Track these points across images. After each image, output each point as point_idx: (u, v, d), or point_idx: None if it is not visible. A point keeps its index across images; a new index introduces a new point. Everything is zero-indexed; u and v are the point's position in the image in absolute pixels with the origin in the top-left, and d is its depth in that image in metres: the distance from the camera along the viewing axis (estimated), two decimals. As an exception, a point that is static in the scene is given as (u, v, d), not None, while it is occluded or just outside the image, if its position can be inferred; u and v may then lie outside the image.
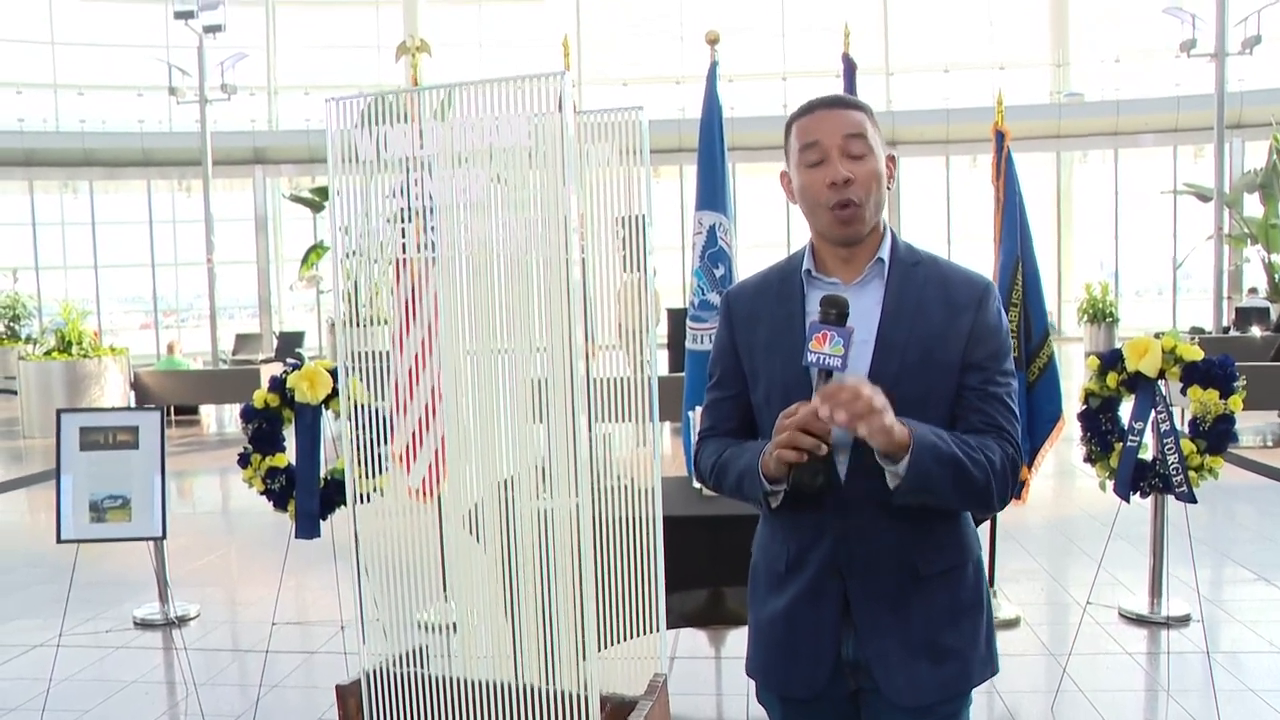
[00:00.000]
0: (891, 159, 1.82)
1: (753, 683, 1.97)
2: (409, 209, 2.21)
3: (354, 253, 2.36)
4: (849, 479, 1.75)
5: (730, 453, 1.87)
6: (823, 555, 1.78)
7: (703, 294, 4.44)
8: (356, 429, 2.36)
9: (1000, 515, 4.24)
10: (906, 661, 1.77)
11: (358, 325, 2.47)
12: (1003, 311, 1.83)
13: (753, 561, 1.96)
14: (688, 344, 4.48)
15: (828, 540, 1.78)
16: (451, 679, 2.27)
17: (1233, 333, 15.69)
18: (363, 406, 2.37)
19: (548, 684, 2.20)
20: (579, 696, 2.16)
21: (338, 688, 2.35)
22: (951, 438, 1.71)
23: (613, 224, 2.31)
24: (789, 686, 1.87)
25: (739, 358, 1.90)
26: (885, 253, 1.81)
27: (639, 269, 2.35)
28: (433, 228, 2.20)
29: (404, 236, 2.24)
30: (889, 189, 1.83)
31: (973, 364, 1.77)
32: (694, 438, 3.97)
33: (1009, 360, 1.82)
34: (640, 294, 2.33)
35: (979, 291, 1.79)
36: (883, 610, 1.77)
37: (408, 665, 2.33)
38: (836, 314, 1.67)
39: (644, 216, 2.31)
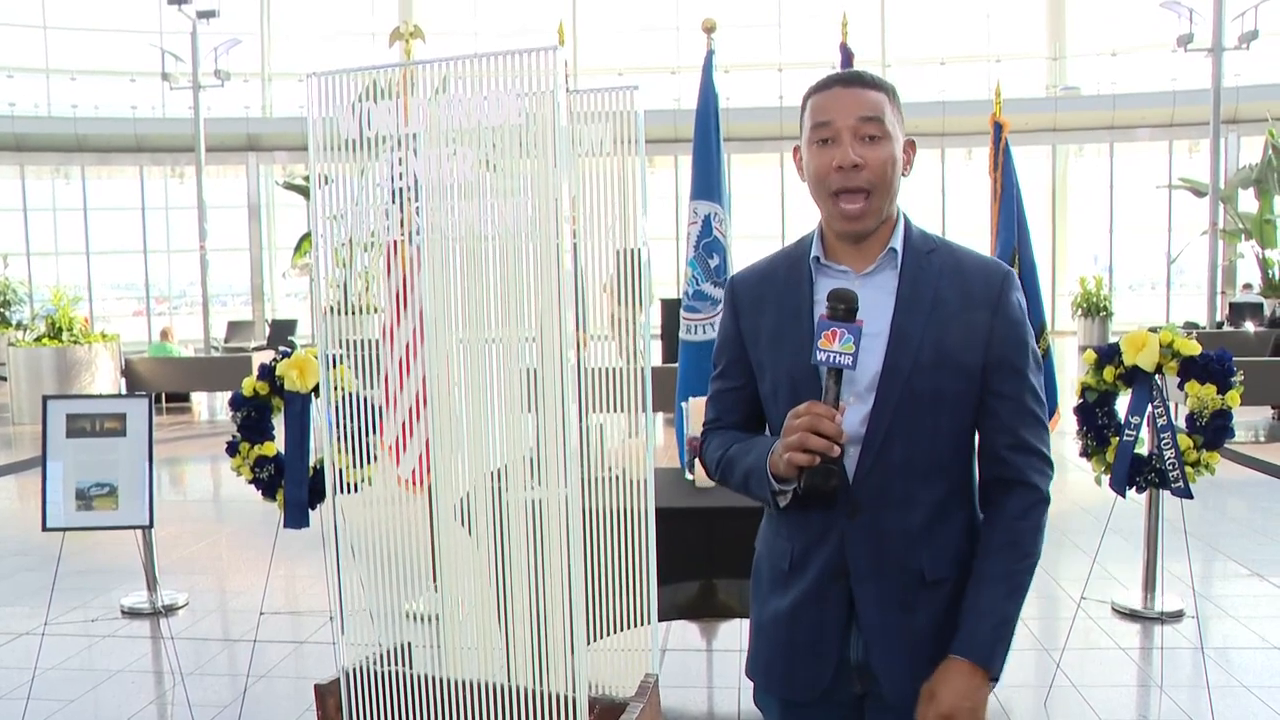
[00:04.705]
0: (911, 144, 1.74)
1: (745, 678, 1.91)
2: (394, 190, 2.14)
3: (344, 244, 2.30)
4: (857, 478, 1.68)
5: (737, 449, 1.79)
6: (827, 555, 1.71)
7: (697, 284, 4.40)
8: (341, 418, 2.31)
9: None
10: (915, 667, 1.70)
11: (345, 313, 2.42)
12: (1022, 300, 1.74)
13: (755, 558, 1.88)
14: (681, 334, 4.45)
15: (833, 539, 1.71)
16: (436, 678, 2.21)
17: (1226, 328, 15.69)
18: (349, 395, 2.32)
19: (535, 681, 2.16)
20: (567, 697, 2.12)
21: (316, 687, 2.28)
22: (992, 589, 1.68)
23: (606, 207, 2.25)
24: (791, 688, 1.80)
25: (744, 347, 1.81)
26: (898, 242, 1.73)
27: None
28: (417, 209, 2.13)
29: (388, 219, 2.18)
30: (906, 175, 1.74)
31: (1001, 361, 1.69)
32: (686, 429, 3.97)
33: (1035, 352, 1.74)
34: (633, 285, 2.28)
35: (997, 283, 1.70)
36: (891, 614, 1.70)
37: (389, 664, 2.26)
38: (845, 309, 1.59)
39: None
